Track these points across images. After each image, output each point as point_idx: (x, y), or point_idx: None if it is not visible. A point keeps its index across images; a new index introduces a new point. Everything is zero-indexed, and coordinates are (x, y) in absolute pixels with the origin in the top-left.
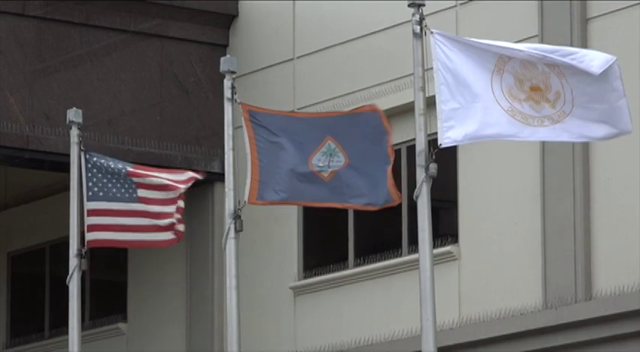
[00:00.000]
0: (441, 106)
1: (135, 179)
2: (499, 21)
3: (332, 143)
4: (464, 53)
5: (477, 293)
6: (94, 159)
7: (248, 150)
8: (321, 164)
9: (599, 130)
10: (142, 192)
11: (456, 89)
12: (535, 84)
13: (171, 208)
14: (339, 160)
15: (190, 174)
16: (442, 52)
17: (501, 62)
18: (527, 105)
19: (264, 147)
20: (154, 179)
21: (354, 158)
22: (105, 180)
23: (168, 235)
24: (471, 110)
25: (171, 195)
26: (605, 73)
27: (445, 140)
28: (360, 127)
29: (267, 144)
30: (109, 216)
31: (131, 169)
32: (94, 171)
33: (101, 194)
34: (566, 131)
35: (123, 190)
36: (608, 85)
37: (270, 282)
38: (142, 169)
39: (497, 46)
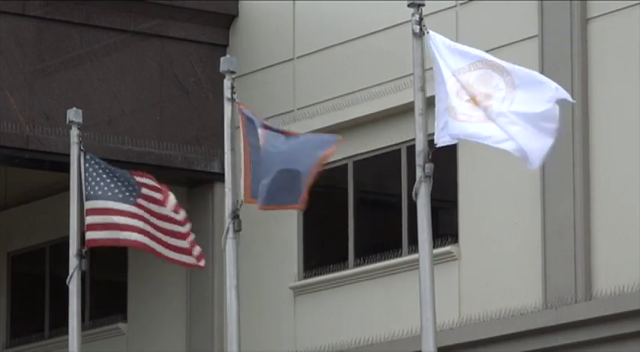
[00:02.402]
0: (439, 105)
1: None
2: (499, 21)
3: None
4: (454, 54)
5: (477, 293)
6: (94, 160)
7: (242, 150)
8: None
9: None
10: (140, 200)
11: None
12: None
13: (181, 229)
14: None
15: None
16: (439, 51)
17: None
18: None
19: (254, 149)
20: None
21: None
22: (104, 179)
23: (186, 258)
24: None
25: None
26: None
27: (441, 139)
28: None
29: (257, 144)
30: (107, 215)
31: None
32: (91, 170)
33: (100, 193)
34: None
35: (123, 189)
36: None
37: (270, 282)
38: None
39: (472, 53)
